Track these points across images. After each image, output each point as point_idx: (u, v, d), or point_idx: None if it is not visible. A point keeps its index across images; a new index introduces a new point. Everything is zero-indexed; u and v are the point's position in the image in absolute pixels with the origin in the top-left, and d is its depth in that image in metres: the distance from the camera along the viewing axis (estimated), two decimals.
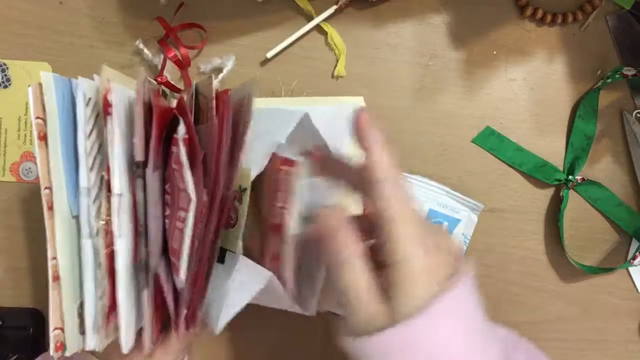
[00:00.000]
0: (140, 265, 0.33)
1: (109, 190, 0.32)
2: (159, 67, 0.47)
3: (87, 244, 0.33)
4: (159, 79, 0.46)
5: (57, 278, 0.33)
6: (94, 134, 0.33)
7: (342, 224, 0.30)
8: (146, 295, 0.33)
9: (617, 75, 0.47)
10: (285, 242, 0.35)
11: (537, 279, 0.49)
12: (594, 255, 0.50)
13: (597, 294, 0.50)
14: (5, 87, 0.47)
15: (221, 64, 0.47)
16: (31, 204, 0.48)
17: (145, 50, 0.46)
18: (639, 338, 0.50)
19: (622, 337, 0.50)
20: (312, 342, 0.49)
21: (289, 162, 0.35)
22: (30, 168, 0.48)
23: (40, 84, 0.32)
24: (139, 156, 0.32)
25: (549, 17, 0.47)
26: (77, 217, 0.33)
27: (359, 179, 0.30)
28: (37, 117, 0.32)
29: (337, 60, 0.48)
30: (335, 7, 0.47)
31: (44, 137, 0.32)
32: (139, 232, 0.33)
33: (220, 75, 0.47)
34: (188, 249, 0.31)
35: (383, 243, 0.28)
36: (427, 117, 0.48)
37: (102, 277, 0.33)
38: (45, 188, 0.32)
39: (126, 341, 0.33)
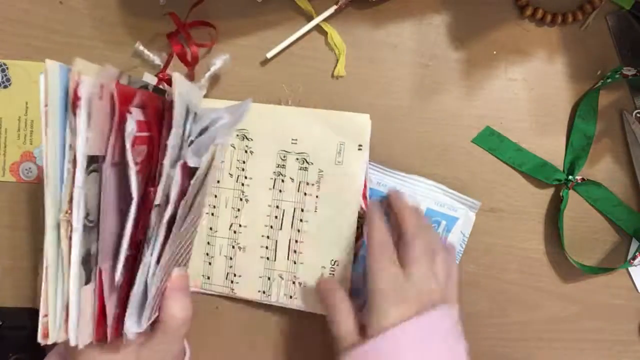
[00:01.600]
0: (92, 260, 0.34)
1: (73, 183, 0.32)
2: (162, 66, 0.46)
3: (54, 235, 0.33)
4: (161, 75, 0.46)
5: (47, 267, 0.34)
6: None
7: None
8: (89, 289, 0.34)
9: (617, 75, 0.47)
10: None
11: (537, 279, 0.49)
12: (594, 255, 0.50)
13: (597, 294, 0.50)
14: (5, 87, 0.47)
15: (216, 62, 0.47)
16: (31, 204, 0.48)
17: (146, 52, 0.46)
18: (639, 338, 0.50)
19: (621, 337, 0.50)
20: (312, 343, 0.49)
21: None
22: (30, 168, 0.48)
23: (47, 72, 0.32)
24: (92, 151, 0.32)
25: (549, 17, 0.47)
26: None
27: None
28: (46, 106, 0.32)
29: (337, 60, 0.48)
30: (335, 7, 0.47)
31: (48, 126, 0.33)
32: (89, 226, 0.33)
33: (207, 74, 0.46)
34: (126, 249, 0.33)
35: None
36: (427, 117, 0.48)
37: (64, 268, 0.34)
38: (46, 177, 0.33)
39: (75, 335, 0.34)
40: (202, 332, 0.49)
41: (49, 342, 0.34)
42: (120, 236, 0.34)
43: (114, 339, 0.35)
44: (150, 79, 0.46)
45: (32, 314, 0.48)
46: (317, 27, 0.48)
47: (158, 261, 0.35)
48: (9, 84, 0.47)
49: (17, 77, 0.47)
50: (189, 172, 0.35)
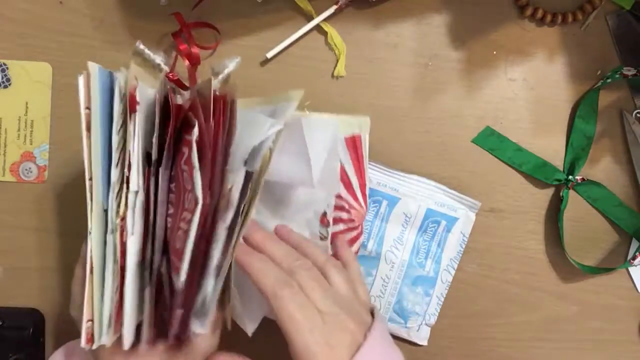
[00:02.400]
0: (145, 263, 0.34)
1: (128, 187, 0.33)
2: (162, 66, 0.46)
3: (110, 240, 0.33)
4: (171, 76, 0.46)
5: (92, 270, 0.34)
6: (122, 129, 0.34)
7: None
8: (148, 293, 0.34)
9: (617, 75, 0.47)
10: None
11: (537, 279, 0.49)
12: (594, 255, 0.50)
13: (597, 294, 0.50)
14: (5, 87, 0.47)
15: (229, 65, 0.47)
16: (31, 204, 0.48)
17: (147, 51, 0.46)
18: (639, 338, 0.50)
19: (621, 337, 0.50)
20: None
21: None
22: (30, 168, 0.48)
23: (89, 74, 0.33)
24: (155, 154, 0.32)
25: (549, 17, 0.47)
26: (106, 211, 0.34)
27: None
28: (87, 108, 0.33)
29: (337, 60, 0.48)
30: (335, 7, 0.47)
31: (89, 128, 0.33)
32: (149, 230, 0.33)
33: (220, 76, 0.47)
34: (191, 250, 0.32)
35: None
36: (427, 117, 0.49)
37: (116, 273, 0.33)
38: (89, 179, 0.33)
39: (127, 337, 0.34)
40: None
41: (94, 346, 0.34)
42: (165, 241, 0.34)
43: (177, 340, 0.35)
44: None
45: (32, 314, 0.48)
46: (317, 27, 0.48)
47: (220, 266, 0.35)
48: (9, 84, 0.47)
49: (17, 77, 0.47)
50: (247, 177, 0.35)
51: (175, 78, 0.46)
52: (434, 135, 0.49)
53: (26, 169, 0.48)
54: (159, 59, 0.47)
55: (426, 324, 0.48)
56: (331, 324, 0.35)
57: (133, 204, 0.32)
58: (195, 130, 0.32)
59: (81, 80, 0.33)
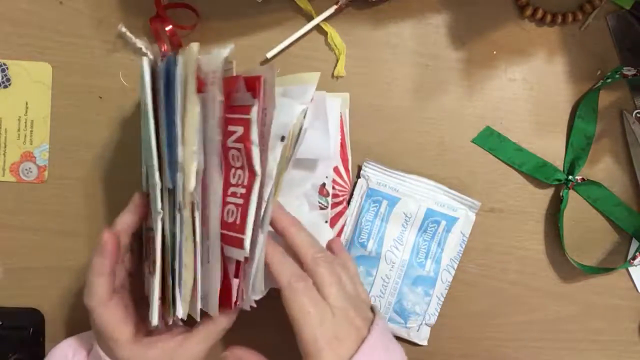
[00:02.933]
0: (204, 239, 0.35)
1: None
2: (144, 50, 0.46)
3: (183, 216, 0.34)
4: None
5: (164, 250, 0.35)
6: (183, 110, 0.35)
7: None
8: (214, 267, 0.35)
9: (617, 75, 0.47)
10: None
11: (537, 279, 0.49)
12: (594, 255, 0.50)
13: (597, 294, 0.50)
14: (5, 87, 0.47)
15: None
16: (31, 204, 0.48)
17: (128, 34, 0.46)
18: (639, 338, 0.50)
19: (621, 337, 0.50)
20: None
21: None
22: (30, 168, 0.48)
23: (149, 60, 0.34)
24: (217, 135, 0.34)
25: (549, 17, 0.47)
26: (170, 190, 0.35)
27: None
28: (147, 104, 0.34)
29: (337, 60, 0.48)
30: (335, 7, 0.47)
31: (156, 109, 0.34)
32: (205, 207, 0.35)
33: (222, 57, 0.46)
34: (252, 222, 0.34)
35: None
36: (427, 117, 0.49)
37: (191, 248, 0.35)
38: (158, 158, 0.35)
39: (198, 311, 0.36)
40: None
41: (170, 322, 0.36)
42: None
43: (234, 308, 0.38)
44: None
45: (32, 314, 0.48)
46: (317, 27, 0.48)
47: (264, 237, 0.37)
48: (9, 84, 0.47)
49: (17, 77, 0.47)
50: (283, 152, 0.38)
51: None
52: (434, 135, 0.49)
53: (26, 169, 0.48)
54: (140, 43, 0.46)
55: (426, 324, 0.48)
56: (341, 318, 0.36)
57: (197, 181, 0.34)
58: (255, 109, 0.34)
59: (146, 63, 0.34)
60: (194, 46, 0.33)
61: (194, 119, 0.33)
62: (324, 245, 0.44)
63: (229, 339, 0.49)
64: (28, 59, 0.47)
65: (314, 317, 0.35)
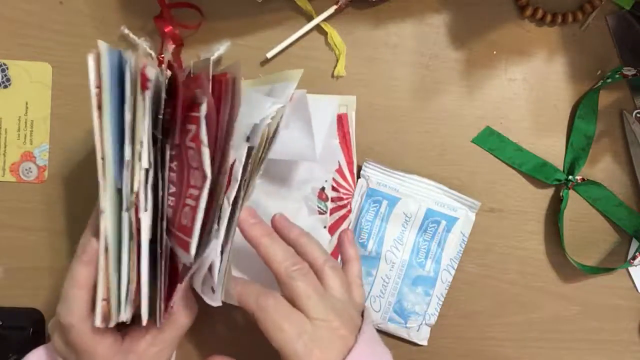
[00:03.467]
0: (157, 240, 0.35)
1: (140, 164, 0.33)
2: (147, 50, 0.46)
3: (125, 217, 0.34)
4: (159, 58, 0.46)
5: (106, 249, 0.34)
6: (133, 108, 0.34)
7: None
8: (162, 268, 0.34)
9: (617, 75, 0.47)
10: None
11: (537, 279, 0.49)
12: (594, 255, 0.50)
13: (597, 294, 0.50)
14: (5, 87, 0.47)
15: (220, 48, 0.47)
16: (31, 204, 0.48)
17: (131, 35, 0.46)
18: (639, 338, 0.50)
19: (622, 337, 0.50)
20: None
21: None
22: (30, 168, 0.48)
23: (99, 53, 0.33)
24: (160, 134, 0.33)
25: (549, 17, 0.47)
26: (119, 190, 0.34)
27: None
28: (97, 87, 0.33)
29: (337, 60, 0.48)
30: (335, 7, 0.47)
31: (100, 107, 0.33)
32: (157, 208, 0.34)
33: (212, 58, 0.46)
34: (200, 226, 0.33)
35: None
36: (427, 117, 0.49)
37: (134, 250, 0.34)
38: (101, 158, 0.33)
39: (145, 313, 0.35)
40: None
41: (111, 324, 0.34)
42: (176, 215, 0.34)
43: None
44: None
45: (32, 314, 0.48)
46: (317, 27, 0.48)
47: (226, 240, 0.36)
48: (9, 84, 0.47)
49: (17, 77, 0.47)
50: (249, 152, 0.36)
51: (164, 60, 0.46)
52: (434, 135, 0.49)
53: (26, 169, 0.48)
54: (143, 43, 0.47)
55: (426, 324, 0.48)
56: (322, 330, 0.35)
57: (145, 181, 0.33)
58: (204, 106, 0.33)
59: (91, 60, 0.33)
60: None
61: (144, 117, 0.32)
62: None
63: (229, 343, 0.49)
64: (28, 59, 0.47)
65: (288, 332, 0.35)
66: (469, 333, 0.50)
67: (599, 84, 0.47)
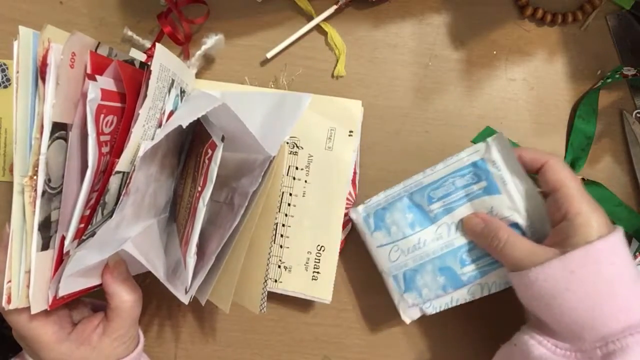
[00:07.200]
0: (54, 226, 0.34)
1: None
2: (135, 37, 0.46)
3: (18, 200, 0.33)
4: (150, 52, 0.46)
5: (12, 232, 0.34)
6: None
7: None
8: (47, 256, 0.34)
9: (617, 75, 0.47)
10: (194, 226, 0.36)
11: None
12: None
13: None
14: (5, 87, 0.47)
15: (207, 42, 0.47)
16: None
17: (135, 36, 0.46)
18: None
19: None
20: (295, 327, 0.49)
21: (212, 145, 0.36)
22: None
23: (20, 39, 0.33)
24: (59, 118, 0.32)
25: (549, 17, 0.47)
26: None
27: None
28: (17, 71, 0.33)
29: (337, 60, 0.48)
30: (335, 7, 0.47)
31: (17, 91, 0.33)
32: (51, 193, 0.34)
33: (198, 53, 0.46)
34: (79, 215, 0.33)
35: (561, 207, 0.39)
36: (427, 117, 0.49)
37: (29, 233, 0.34)
38: (15, 143, 0.33)
39: (35, 301, 0.34)
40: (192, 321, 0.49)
41: (11, 307, 0.34)
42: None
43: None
44: (139, 55, 0.46)
45: None
46: (317, 27, 0.48)
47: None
48: (9, 84, 0.47)
49: None
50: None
51: (152, 53, 0.46)
52: (434, 135, 0.49)
53: None
54: (148, 43, 0.47)
55: (421, 309, 0.44)
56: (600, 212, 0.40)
57: (41, 167, 0.32)
58: (91, 90, 0.32)
59: (16, 45, 0.32)
60: (49, 27, 0.32)
61: (42, 103, 0.32)
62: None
63: (236, 344, 0.49)
64: None
65: (575, 185, 0.39)
66: (469, 333, 0.50)
67: (599, 84, 0.47)
